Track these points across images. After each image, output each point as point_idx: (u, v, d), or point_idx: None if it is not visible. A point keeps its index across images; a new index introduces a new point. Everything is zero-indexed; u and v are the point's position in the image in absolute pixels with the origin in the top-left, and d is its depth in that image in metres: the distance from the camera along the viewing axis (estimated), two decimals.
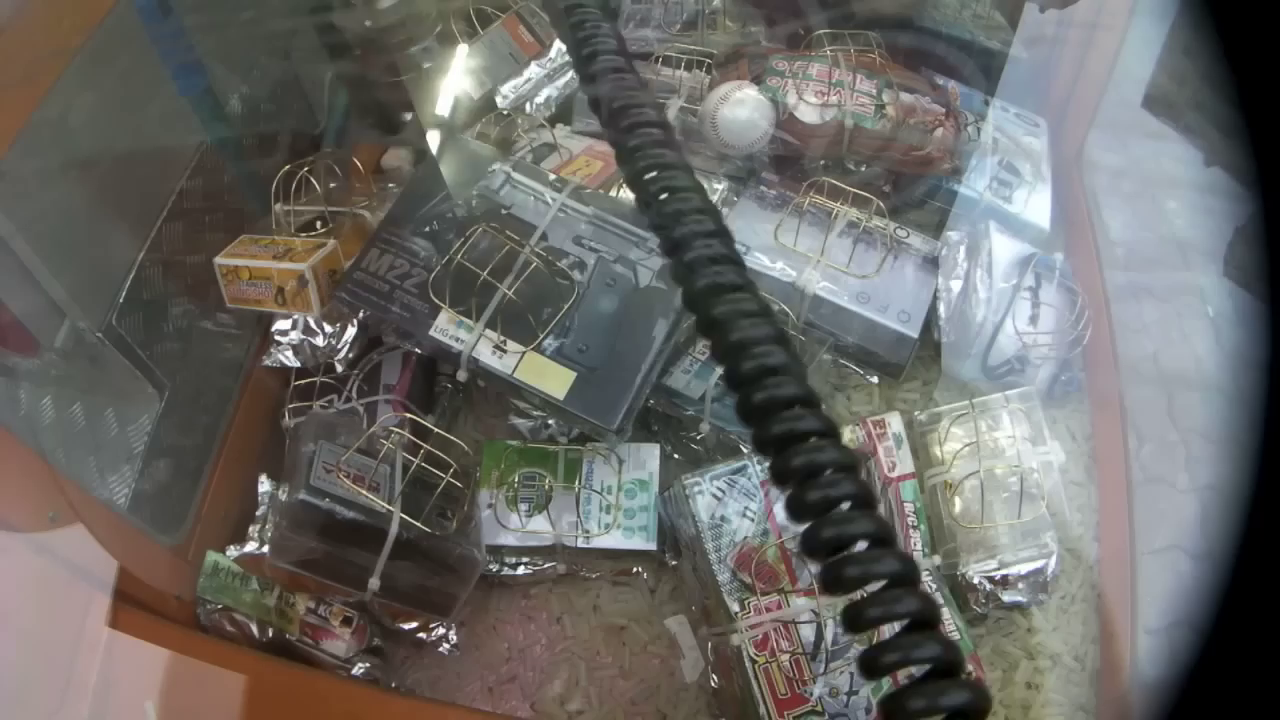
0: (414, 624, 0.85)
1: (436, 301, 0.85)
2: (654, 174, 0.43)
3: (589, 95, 0.52)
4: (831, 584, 0.33)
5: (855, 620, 0.33)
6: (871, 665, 0.32)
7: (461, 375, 0.85)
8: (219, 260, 0.90)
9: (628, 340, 0.84)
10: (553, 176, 0.95)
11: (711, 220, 0.41)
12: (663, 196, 0.42)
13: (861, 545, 0.34)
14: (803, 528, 0.34)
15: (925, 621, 0.33)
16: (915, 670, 0.32)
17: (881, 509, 0.84)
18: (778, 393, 0.36)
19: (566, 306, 0.84)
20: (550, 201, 0.91)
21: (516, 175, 0.93)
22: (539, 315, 0.83)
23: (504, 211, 0.90)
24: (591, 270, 0.87)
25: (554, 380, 0.82)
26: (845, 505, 0.34)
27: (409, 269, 0.88)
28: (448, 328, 0.85)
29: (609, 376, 0.82)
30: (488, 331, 0.84)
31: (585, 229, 0.90)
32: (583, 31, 0.48)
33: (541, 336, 0.83)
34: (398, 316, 0.86)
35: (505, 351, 0.83)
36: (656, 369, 0.85)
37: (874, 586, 0.33)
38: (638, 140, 0.44)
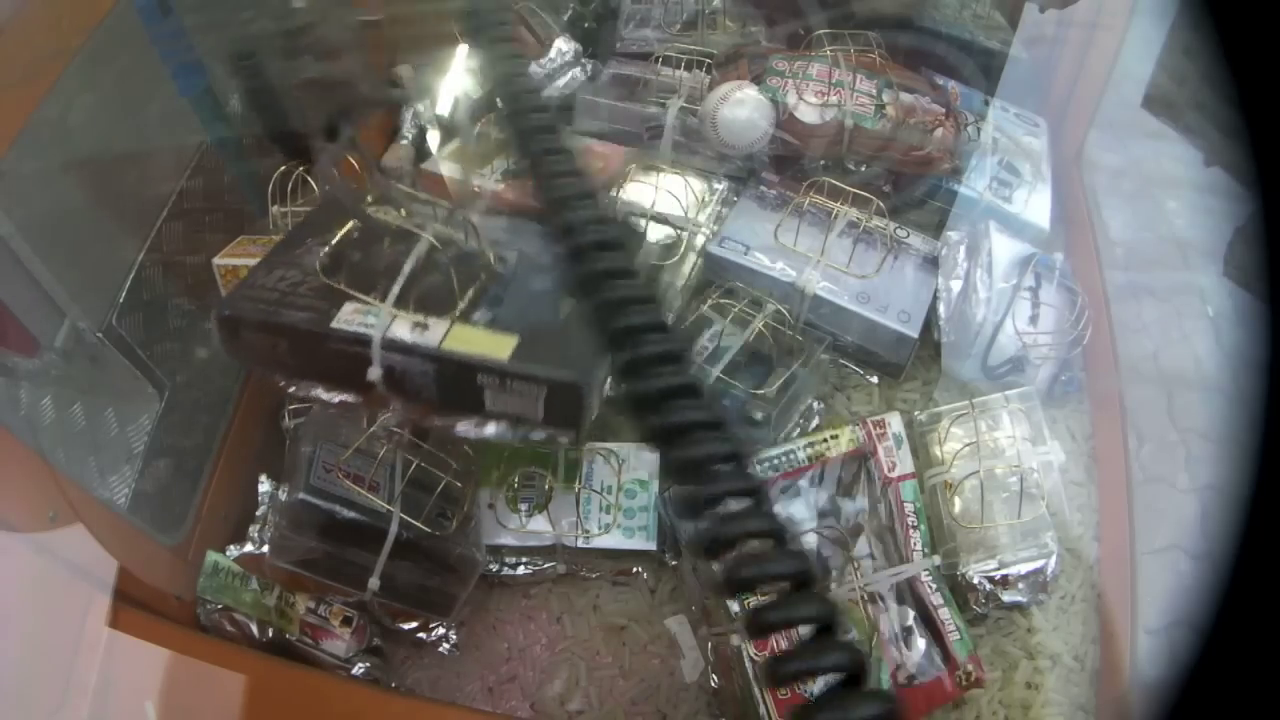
0: (414, 624, 0.85)
1: (339, 288, 0.72)
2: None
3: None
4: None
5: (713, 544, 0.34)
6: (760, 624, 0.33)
7: (373, 374, 0.69)
8: (217, 261, 0.90)
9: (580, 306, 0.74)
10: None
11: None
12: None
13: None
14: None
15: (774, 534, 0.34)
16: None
17: (883, 511, 0.84)
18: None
19: (485, 275, 0.73)
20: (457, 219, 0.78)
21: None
22: (462, 289, 0.72)
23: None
24: (514, 262, 0.76)
25: (493, 345, 0.68)
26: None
27: (302, 278, 0.75)
28: (353, 318, 0.70)
29: (564, 335, 0.69)
30: (401, 312, 0.71)
31: (502, 235, 0.79)
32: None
33: (464, 304, 0.71)
34: (293, 319, 0.72)
35: (427, 327, 0.70)
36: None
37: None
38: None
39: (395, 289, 0.71)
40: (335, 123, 0.67)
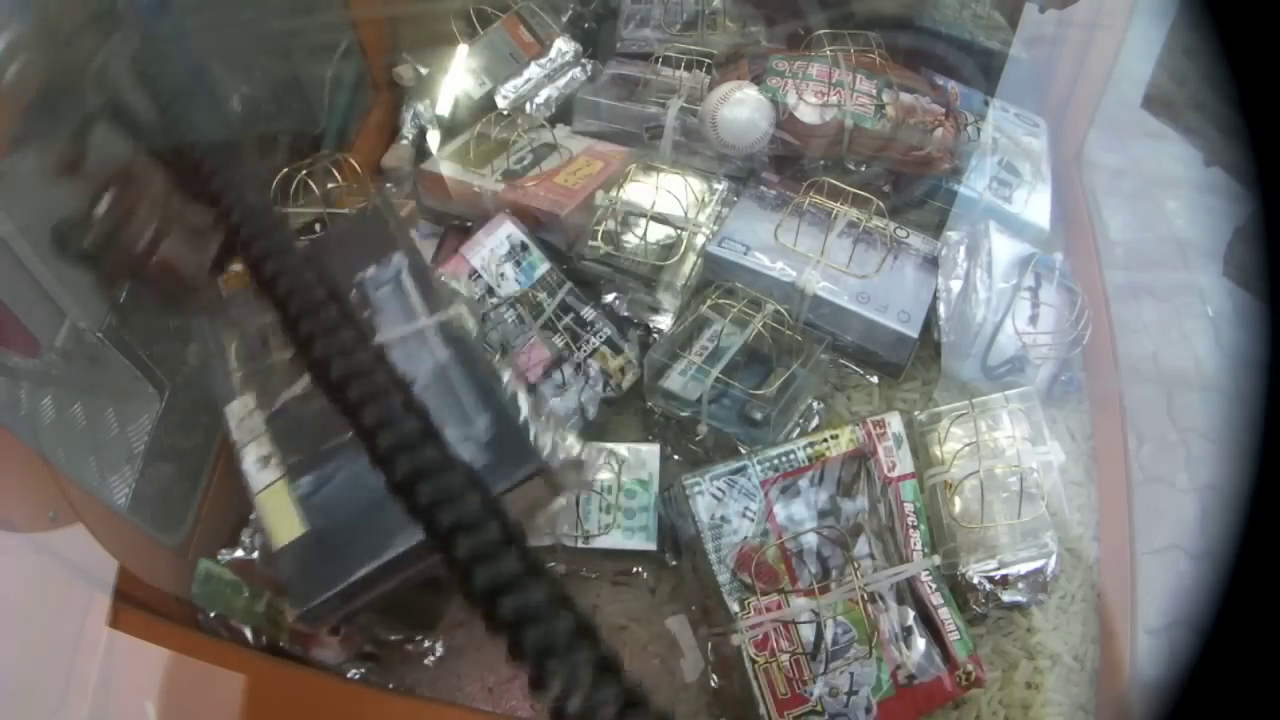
0: (399, 636, 0.84)
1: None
2: None
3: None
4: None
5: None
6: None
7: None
8: None
9: (372, 529, 0.69)
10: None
11: None
12: None
13: None
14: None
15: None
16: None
17: (883, 511, 0.84)
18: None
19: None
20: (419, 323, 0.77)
21: (406, 279, 0.79)
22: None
23: (365, 314, 0.78)
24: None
25: (283, 525, 0.70)
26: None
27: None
28: (234, 408, 0.76)
29: (333, 553, 0.68)
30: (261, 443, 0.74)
31: (427, 372, 0.76)
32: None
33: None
34: None
35: (268, 466, 0.73)
36: (393, 576, 0.69)
37: None
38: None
39: (262, 418, 0.74)
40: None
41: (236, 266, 0.89)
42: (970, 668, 0.77)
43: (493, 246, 0.96)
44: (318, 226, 0.97)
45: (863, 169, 1.04)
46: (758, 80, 1.03)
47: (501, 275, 0.95)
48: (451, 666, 0.85)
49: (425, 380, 0.73)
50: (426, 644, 0.84)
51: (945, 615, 0.79)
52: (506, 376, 0.75)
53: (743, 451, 0.86)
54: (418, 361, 0.74)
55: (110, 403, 0.84)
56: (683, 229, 0.99)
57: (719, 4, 1.20)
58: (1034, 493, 0.84)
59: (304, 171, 0.96)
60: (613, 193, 0.99)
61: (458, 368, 0.74)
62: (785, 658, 0.76)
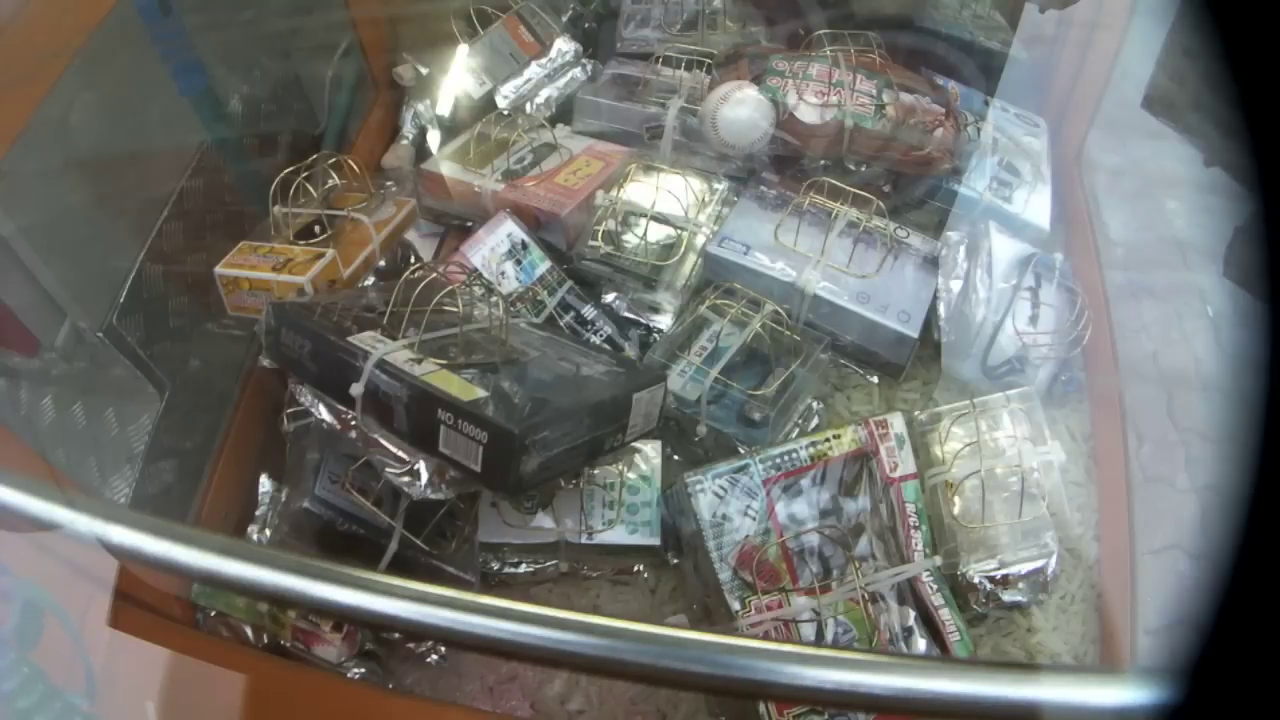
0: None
1: (369, 316, 0.80)
2: None
3: None
4: None
5: None
6: None
7: (355, 389, 0.74)
8: (219, 270, 0.89)
9: (557, 393, 0.76)
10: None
11: None
12: None
13: None
14: None
15: None
16: None
17: (885, 511, 0.84)
18: None
19: (499, 356, 0.78)
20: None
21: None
22: (468, 355, 0.78)
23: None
24: (527, 360, 0.81)
25: (462, 389, 0.72)
26: None
27: (351, 305, 0.84)
28: (366, 339, 0.78)
29: (525, 401, 0.73)
30: (406, 350, 0.77)
31: (536, 339, 0.87)
32: None
33: (461, 360, 0.77)
34: (322, 326, 0.79)
35: (420, 363, 0.75)
36: (584, 430, 0.75)
37: None
38: None
39: (416, 337, 0.78)
40: None
41: (234, 272, 0.90)
42: None
43: (493, 245, 0.96)
44: (317, 228, 0.97)
45: (863, 169, 1.04)
46: (758, 80, 1.03)
47: (502, 273, 0.96)
48: (452, 666, 0.85)
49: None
50: (428, 643, 0.84)
51: (946, 616, 0.79)
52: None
53: (742, 452, 0.86)
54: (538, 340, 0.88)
55: (111, 403, 0.84)
56: (683, 229, 0.99)
57: (719, 4, 1.20)
58: (1034, 493, 0.84)
59: (304, 176, 0.96)
60: (613, 193, 0.99)
61: (559, 339, 0.90)
62: None
